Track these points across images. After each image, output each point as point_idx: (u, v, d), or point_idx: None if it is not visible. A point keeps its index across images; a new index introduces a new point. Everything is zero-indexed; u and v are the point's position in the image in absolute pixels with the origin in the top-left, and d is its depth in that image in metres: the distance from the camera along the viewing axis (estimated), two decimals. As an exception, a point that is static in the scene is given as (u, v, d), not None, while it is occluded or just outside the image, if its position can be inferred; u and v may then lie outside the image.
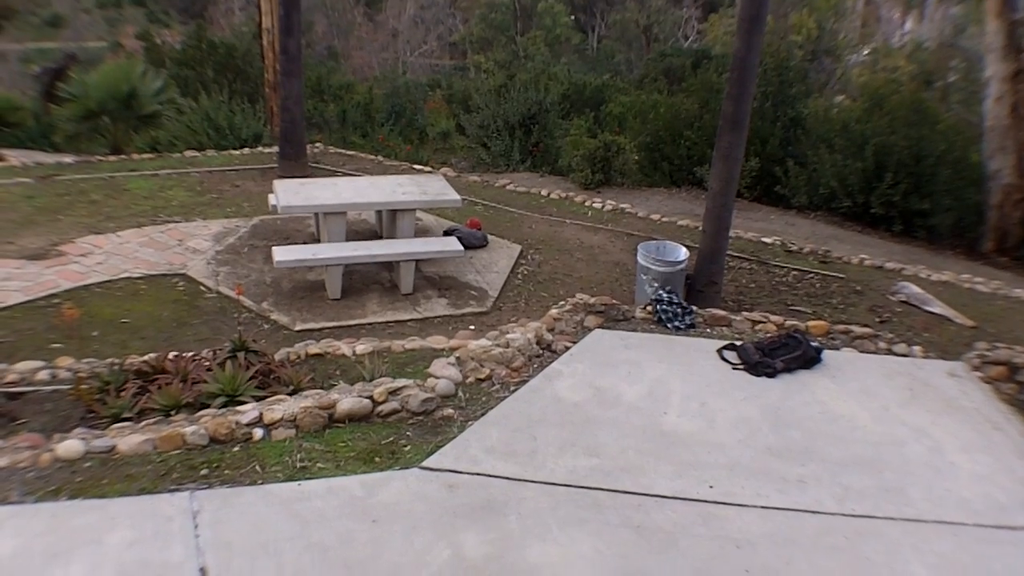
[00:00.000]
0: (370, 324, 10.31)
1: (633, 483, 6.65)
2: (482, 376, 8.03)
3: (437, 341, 9.33)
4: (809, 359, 8.86)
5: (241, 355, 7.89)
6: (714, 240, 11.10)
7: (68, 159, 17.03)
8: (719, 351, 9.00)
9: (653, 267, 10.76)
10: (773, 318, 10.11)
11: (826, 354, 9.07)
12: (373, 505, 6.03)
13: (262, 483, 6.19)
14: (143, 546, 5.39)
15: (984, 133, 17.94)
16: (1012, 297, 12.76)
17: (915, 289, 12.06)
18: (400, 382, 7.58)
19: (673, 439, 7.36)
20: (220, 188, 14.85)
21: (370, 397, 7.29)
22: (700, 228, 11.93)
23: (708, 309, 10.16)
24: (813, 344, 9.07)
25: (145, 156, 17.46)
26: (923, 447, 7.60)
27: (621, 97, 24.88)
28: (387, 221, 12.01)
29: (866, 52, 36.63)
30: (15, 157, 18.51)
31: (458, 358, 8.26)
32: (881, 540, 6.27)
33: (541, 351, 8.67)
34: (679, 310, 9.82)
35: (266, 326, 10.04)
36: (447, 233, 12.54)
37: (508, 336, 8.69)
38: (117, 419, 7.10)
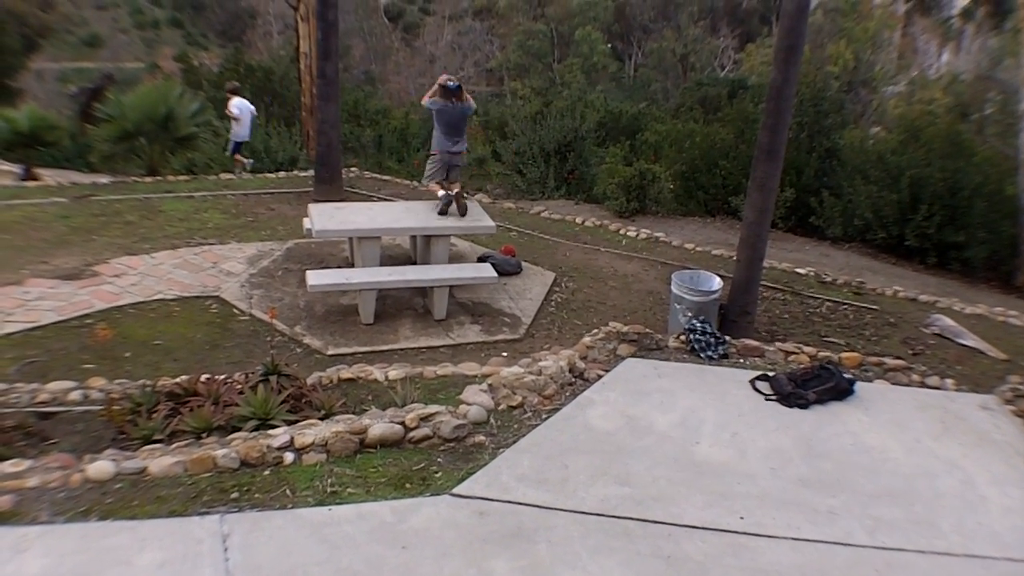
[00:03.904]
0: (403, 349, 10.32)
1: (664, 512, 6.62)
2: (514, 403, 8.01)
3: (469, 367, 9.34)
4: (842, 391, 8.81)
5: (273, 379, 7.91)
6: (748, 270, 11.07)
7: (104, 179, 17.18)
8: (752, 381, 8.96)
9: (687, 296, 10.73)
10: (806, 349, 10.07)
11: (859, 386, 9.01)
12: (403, 531, 6.01)
13: (292, 507, 6.19)
14: (173, 568, 5.39)
15: (1019, 166, 17.81)
16: (1046, 331, 12.67)
17: (948, 322, 11.99)
18: (432, 408, 7.57)
19: (705, 469, 7.33)
20: (255, 211, 14.91)
21: (402, 423, 7.28)
22: (734, 258, 11.90)
23: (741, 339, 10.12)
24: (846, 376, 9.02)
25: (181, 178, 17.58)
26: (955, 480, 7.54)
27: (657, 125, 24.87)
28: (421, 246, 12.03)
29: (903, 83, 36.53)
30: (51, 176, 18.66)
31: (490, 385, 8.25)
32: (911, 573, 6.21)
33: (573, 379, 8.64)
34: (712, 340, 9.79)
35: (299, 350, 10.06)
36: (481, 259, 12.54)
37: (541, 363, 8.67)
38: (148, 441, 7.13)
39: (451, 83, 11.74)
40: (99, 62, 59.18)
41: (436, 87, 11.92)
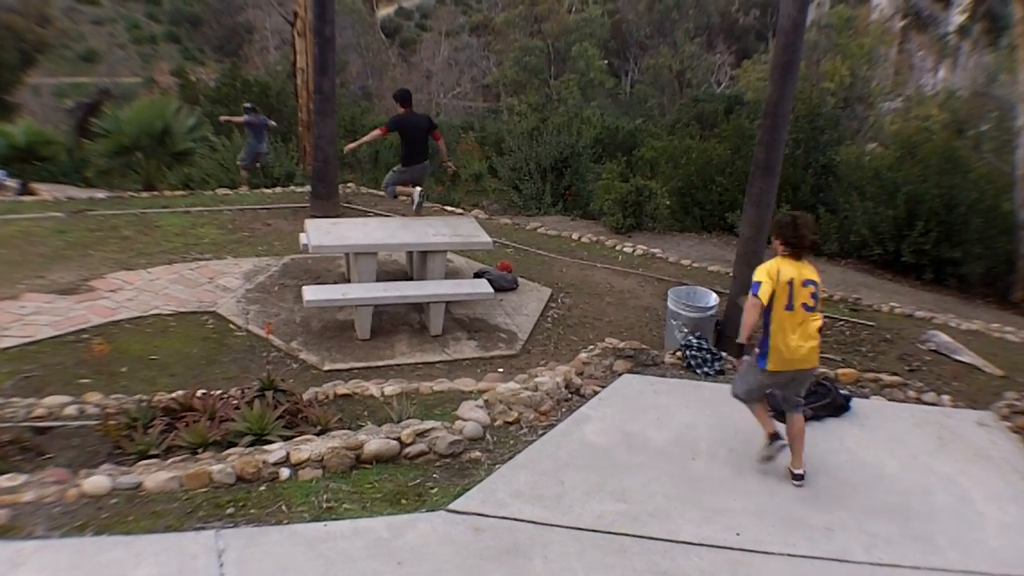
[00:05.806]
0: (399, 365, 10.30)
1: (660, 529, 6.61)
2: (510, 419, 8.01)
3: (465, 383, 9.32)
4: (838, 407, 8.82)
5: (269, 394, 7.90)
6: (744, 286, 11.06)
7: (100, 194, 17.15)
8: (748, 398, 8.95)
9: (683, 312, 10.73)
10: (802, 365, 10.05)
11: (855, 402, 9.02)
12: (399, 547, 6.00)
13: (288, 523, 6.18)
14: (168, 584, 5.39)
15: (1015, 182, 17.81)
16: (1042, 347, 12.66)
17: (945, 338, 11.99)
18: (428, 424, 7.57)
19: (701, 485, 7.33)
20: (252, 226, 14.90)
21: (398, 439, 7.28)
22: (731, 274, 11.89)
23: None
24: (842, 392, 9.03)
25: (177, 193, 17.56)
26: (951, 496, 7.54)
27: (653, 142, 24.88)
28: (418, 262, 12.02)
29: (899, 100, 36.59)
30: (47, 191, 18.66)
31: (486, 401, 8.25)
32: (909, 590, 6.22)
33: (570, 395, 8.64)
34: (708, 356, 9.79)
35: (295, 365, 10.04)
36: (477, 275, 12.53)
37: (537, 379, 8.67)
38: (144, 456, 7.11)
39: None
40: (96, 77, 59.26)
41: None
